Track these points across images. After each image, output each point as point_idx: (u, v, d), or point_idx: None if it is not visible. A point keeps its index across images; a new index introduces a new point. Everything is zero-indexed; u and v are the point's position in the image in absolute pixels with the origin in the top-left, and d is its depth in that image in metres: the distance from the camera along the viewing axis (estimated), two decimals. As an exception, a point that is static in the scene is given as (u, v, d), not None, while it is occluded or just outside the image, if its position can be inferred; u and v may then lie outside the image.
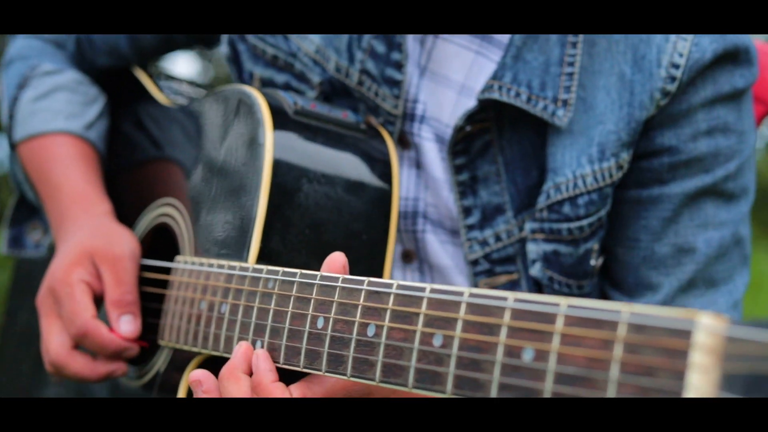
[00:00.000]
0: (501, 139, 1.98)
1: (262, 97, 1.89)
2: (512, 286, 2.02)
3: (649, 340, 1.03)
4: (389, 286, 1.40)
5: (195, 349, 1.80)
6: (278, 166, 1.81)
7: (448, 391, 1.27)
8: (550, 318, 1.15)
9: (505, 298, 1.21)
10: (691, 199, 1.94)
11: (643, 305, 1.05)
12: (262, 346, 1.61)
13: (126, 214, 2.13)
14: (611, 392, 1.06)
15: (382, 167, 1.95)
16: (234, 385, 1.58)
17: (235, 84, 2.07)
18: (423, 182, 2.07)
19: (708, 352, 0.98)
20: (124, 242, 2.01)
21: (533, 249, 1.97)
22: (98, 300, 1.95)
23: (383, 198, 1.93)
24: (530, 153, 1.98)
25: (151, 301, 2.02)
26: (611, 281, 2.04)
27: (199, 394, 1.65)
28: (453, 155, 1.99)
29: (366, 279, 1.45)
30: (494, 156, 1.99)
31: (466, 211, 2.01)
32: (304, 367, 1.53)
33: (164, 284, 1.97)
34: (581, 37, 1.90)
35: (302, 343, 1.54)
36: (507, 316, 1.20)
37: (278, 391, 1.52)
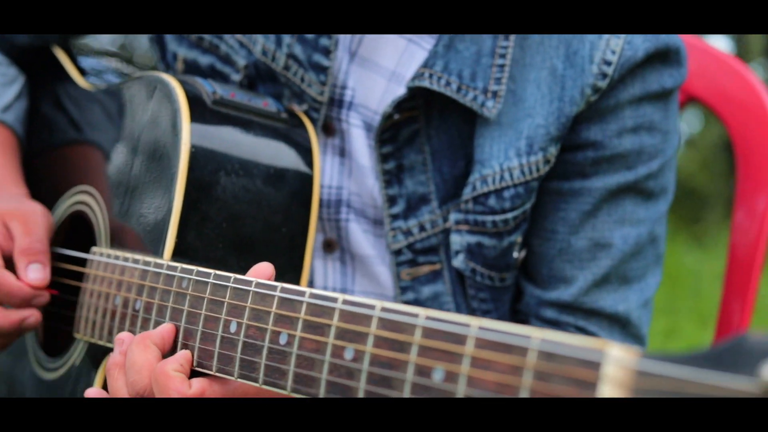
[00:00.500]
0: (429, 129, 1.95)
1: (179, 85, 1.83)
2: (434, 276, 2.00)
3: (559, 368, 1.00)
4: (302, 294, 1.36)
5: (110, 345, 1.76)
6: (195, 158, 1.76)
7: (359, 406, 1.24)
8: (460, 339, 1.12)
9: (416, 315, 1.18)
10: (611, 195, 1.93)
11: (554, 332, 1.02)
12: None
13: (43, 200, 2.07)
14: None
15: (302, 157, 1.91)
16: (140, 352, 1.54)
17: (154, 71, 2.01)
18: (347, 170, 2.03)
19: (617, 385, 0.95)
20: (35, 206, 1.98)
21: (457, 240, 1.96)
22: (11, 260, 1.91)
23: (304, 188, 1.89)
24: (458, 143, 1.96)
25: (66, 293, 1.97)
26: (526, 273, 2.03)
27: (115, 355, 1.60)
28: (380, 143, 1.96)
29: (279, 285, 1.41)
30: (421, 145, 1.96)
31: (391, 200, 1.98)
32: (217, 371, 1.49)
33: (80, 276, 1.92)
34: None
35: (215, 347, 1.50)
36: (418, 334, 1.17)
37: (177, 380, 1.48)
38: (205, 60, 2.09)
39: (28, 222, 1.92)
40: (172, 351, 1.57)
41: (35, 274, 1.88)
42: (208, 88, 1.87)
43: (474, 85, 1.88)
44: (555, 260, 1.98)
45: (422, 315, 1.18)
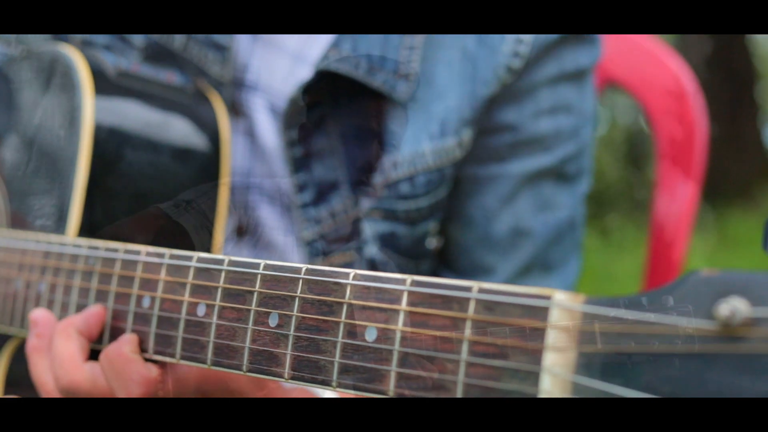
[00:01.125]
0: (337, 112, 1.88)
1: (80, 57, 1.75)
2: (347, 267, 1.94)
3: (502, 319, 0.96)
4: (220, 262, 1.30)
5: (13, 330, 1.67)
6: (99, 132, 1.69)
7: (286, 374, 1.18)
8: (394, 295, 1.07)
9: (347, 274, 1.13)
10: (529, 179, 1.89)
11: (494, 283, 0.98)
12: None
13: None
14: (460, 375, 0.99)
15: (210, 134, 1.84)
16: (63, 342, 1.44)
17: (50, 43, 1.92)
18: (257, 153, 1.96)
19: (564, 331, 0.92)
20: None
21: (369, 228, 1.89)
22: None
23: (212, 167, 1.82)
24: (368, 127, 1.89)
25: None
26: (445, 263, 1.98)
27: (31, 338, 1.51)
28: (287, 128, 1.88)
29: (195, 254, 1.34)
30: (330, 130, 1.89)
31: (300, 188, 1.91)
32: (155, 353, 1.41)
33: None
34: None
35: (127, 324, 1.43)
36: (347, 294, 1.12)
37: (139, 363, 1.39)
38: (101, 39, 2.01)
39: None
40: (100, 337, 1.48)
41: None
42: (110, 60, 1.79)
43: (383, 67, 1.82)
44: (475, 249, 1.93)
45: (351, 274, 1.13)
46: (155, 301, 1.38)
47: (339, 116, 1.87)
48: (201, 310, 1.31)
